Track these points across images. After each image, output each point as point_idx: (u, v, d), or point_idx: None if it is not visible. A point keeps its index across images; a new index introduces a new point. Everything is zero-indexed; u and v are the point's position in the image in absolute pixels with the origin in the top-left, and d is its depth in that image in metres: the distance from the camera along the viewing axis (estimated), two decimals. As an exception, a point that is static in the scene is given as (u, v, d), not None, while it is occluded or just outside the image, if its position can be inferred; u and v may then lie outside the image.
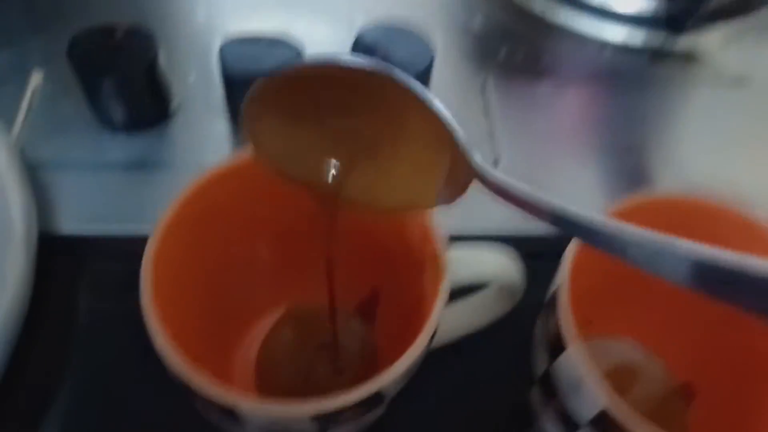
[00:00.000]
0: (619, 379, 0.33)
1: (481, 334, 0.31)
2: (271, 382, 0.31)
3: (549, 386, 0.26)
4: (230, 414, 0.22)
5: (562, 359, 0.25)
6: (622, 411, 0.22)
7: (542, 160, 0.42)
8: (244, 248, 0.30)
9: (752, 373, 0.31)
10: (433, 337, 0.24)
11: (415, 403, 0.33)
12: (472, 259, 0.27)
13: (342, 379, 0.32)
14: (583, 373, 0.23)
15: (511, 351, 0.33)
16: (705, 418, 0.31)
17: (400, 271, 0.29)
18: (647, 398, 0.33)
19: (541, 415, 0.28)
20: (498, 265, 0.27)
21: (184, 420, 0.28)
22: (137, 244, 0.25)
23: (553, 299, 0.26)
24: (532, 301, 0.29)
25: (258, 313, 0.33)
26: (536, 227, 0.37)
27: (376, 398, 0.23)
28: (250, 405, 0.22)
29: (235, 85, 0.38)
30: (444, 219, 0.27)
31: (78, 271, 0.36)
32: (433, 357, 0.30)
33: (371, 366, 0.32)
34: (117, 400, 0.32)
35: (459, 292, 0.31)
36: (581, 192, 0.40)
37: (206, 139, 0.40)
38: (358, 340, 0.33)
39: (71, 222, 0.36)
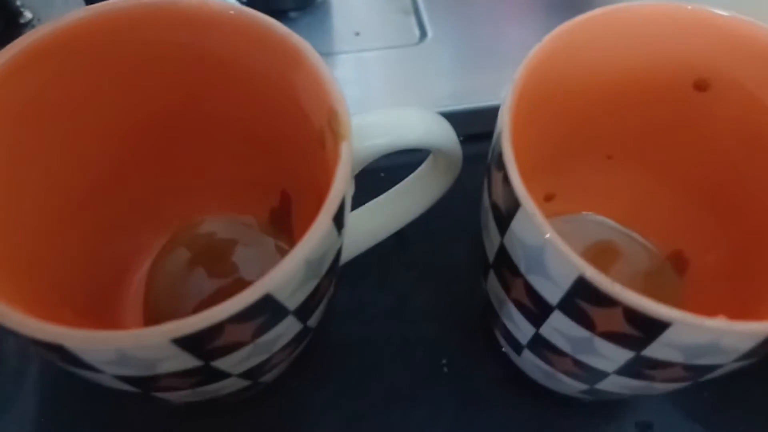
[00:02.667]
0: (597, 256, 0.27)
1: (422, 225, 0.25)
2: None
3: (506, 266, 0.20)
4: (66, 358, 0.16)
5: (515, 224, 0.18)
6: (601, 276, 0.16)
7: (471, 29, 0.35)
8: (95, 150, 0.23)
9: (748, 233, 0.25)
10: (341, 217, 0.18)
11: (351, 325, 0.27)
12: (392, 121, 0.21)
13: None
14: (543, 234, 0.17)
15: (459, 240, 0.27)
16: (701, 286, 0.26)
17: (308, 164, 0.23)
18: (633, 273, 0.27)
19: (503, 306, 0.22)
20: (428, 123, 0.21)
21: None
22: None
23: (495, 155, 0.20)
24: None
25: (137, 241, 0.26)
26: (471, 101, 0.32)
27: (267, 308, 0.16)
28: (82, 337, 0.15)
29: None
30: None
31: None
32: (371, 256, 0.24)
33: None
34: None
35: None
36: (513, 60, 0.34)
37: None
38: (273, 257, 0.27)
39: None
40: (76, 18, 0.20)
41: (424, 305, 0.28)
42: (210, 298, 0.25)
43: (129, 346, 0.15)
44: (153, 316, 0.25)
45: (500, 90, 0.32)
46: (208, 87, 0.22)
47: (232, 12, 0.20)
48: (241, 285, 0.15)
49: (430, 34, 0.34)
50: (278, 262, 0.24)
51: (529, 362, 0.23)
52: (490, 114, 0.30)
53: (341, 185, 0.17)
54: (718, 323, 0.16)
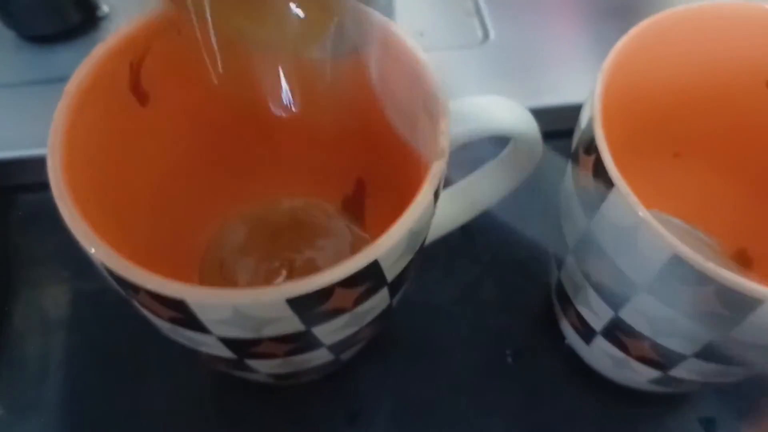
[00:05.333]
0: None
1: (487, 219, 0.26)
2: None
3: (591, 250, 0.21)
4: (182, 316, 0.17)
5: (606, 206, 0.19)
6: (695, 254, 0.17)
7: (534, 31, 0.36)
8: (176, 138, 0.24)
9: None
10: (437, 193, 0.18)
11: (422, 304, 0.28)
12: (480, 108, 0.22)
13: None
14: (637, 213, 0.18)
15: (532, 227, 0.27)
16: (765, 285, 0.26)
17: (389, 151, 0.23)
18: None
19: (579, 291, 0.22)
20: (512, 113, 0.22)
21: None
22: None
23: (582, 142, 0.20)
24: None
25: (201, 220, 0.27)
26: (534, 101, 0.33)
27: (372, 275, 0.17)
28: (204, 293, 0.16)
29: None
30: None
31: (5, 204, 0.30)
32: (442, 245, 0.25)
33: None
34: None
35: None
36: (577, 61, 0.35)
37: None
38: (347, 244, 0.27)
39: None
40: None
41: (490, 297, 0.29)
42: (274, 274, 0.26)
43: (246, 303, 0.16)
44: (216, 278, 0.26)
45: (561, 92, 0.33)
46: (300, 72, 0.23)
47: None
48: (310, 266, 0.16)
49: (492, 35, 0.35)
50: (349, 244, 0.25)
51: (600, 351, 0.24)
52: (551, 114, 0.30)
53: (442, 162, 0.18)
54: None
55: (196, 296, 0.16)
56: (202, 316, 0.16)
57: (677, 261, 0.17)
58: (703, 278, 0.17)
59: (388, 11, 0.36)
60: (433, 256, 0.27)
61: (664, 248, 0.17)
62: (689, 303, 0.18)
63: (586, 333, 0.24)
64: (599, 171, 0.19)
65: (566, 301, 0.24)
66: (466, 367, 0.27)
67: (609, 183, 0.18)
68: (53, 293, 0.28)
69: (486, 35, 0.35)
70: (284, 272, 0.27)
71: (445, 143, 0.19)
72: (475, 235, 0.30)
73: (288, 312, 0.16)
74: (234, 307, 0.16)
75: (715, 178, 0.28)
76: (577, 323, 0.24)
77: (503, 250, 0.30)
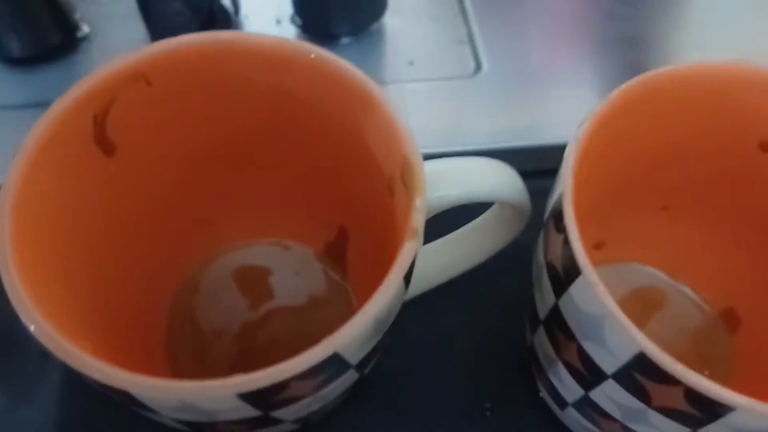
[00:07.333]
0: (645, 309, 0.27)
1: (471, 274, 0.25)
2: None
3: (559, 328, 0.20)
4: (129, 399, 0.16)
5: (574, 290, 0.18)
6: (663, 355, 0.16)
7: (528, 61, 0.35)
8: (145, 186, 0.24)
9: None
10: (409, 275, 0.18)
11: (395, 359, 0.27)
12: (464, 172, 0.21)
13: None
14: (605, 305, 0.17)
15: (509, 291, 0.27)
16: (753, 347, 0.26)
17: (372, 204, 0.23)
18: (682, 329, 0.27)
19: (550, 364, 0.22)
20: (499, 177, 0.21)
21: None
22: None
23: (554, 215, 0.20)
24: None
25: (172, 270, 0.26)
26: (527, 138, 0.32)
27: (334, 364, 0.17)
28: (147, 386, 0.15)
29: (154, 5, 0.31)
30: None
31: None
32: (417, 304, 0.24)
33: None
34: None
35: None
36: (573, 94, 0.34)
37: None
38: (326, 292, 0.27)
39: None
40: (158, 50, 0.20)
41: (468, 344, 0.28)
42: (250, 325, 0.26)
43: (193, 397, 0.15)
44: (185, 336, 0.26)
45: (556, 127, 0.32)
46: (279, 121, 0.23)
47: (308, 53, 0.20)
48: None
49: (485, 66, 0.34)
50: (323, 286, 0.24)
51: (573, 419, 0.23)
52: (545, 152, 0.29)
53: (414, 243, 0.17)
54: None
55: (141, 388, 0.15)
56: (150, 404, 0.16)
57: (644, 358, 0.17)
58: (670, 378, 0.16)
59: (378, 38, 0.35)
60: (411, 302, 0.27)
61: (631, 343, 0.17)
62: (657, 398, 0.17)
63: (560, 401, 0.23)
64: (567, 252, 0.18)
65: (539, 367, 0.23)
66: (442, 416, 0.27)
67: (578, 268, 0.18)
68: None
69: (479, 66, 0.34)
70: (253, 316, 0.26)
71: (418, 222, 0.18)
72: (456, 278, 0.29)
73: (240, 403, 0.16)
74: (181, 399, 0.16)
75: (704, 234, 0.27)
76: (550, 390, 0.23)
77: (486, 295, 0.29)
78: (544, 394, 0.25)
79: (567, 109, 0.33)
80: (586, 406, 0.21)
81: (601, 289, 0.17)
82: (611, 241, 0.28)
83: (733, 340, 0.26)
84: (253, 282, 0.27)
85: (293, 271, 0.27)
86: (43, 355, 0.24)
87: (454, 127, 0.32)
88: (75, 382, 0.24)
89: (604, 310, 0.17)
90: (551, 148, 0.32)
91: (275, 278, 0.27)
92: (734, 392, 0.16)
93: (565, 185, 0.19)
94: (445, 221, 0.24)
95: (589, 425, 0.22)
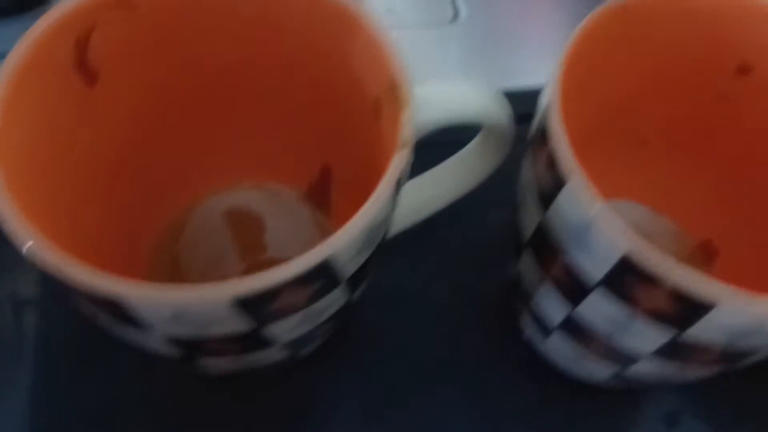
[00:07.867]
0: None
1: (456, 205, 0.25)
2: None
3: (545, 244, 0.20)
4: (120, 314, 0.16)
5: (561, 199, 0.18)
6: (650, 252, 0.17)
7: (506, 7, 0.35)
8: (127, 122, 0.23)
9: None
10: (398, 187, 0.18)
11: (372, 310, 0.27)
12: (449, 95, 0.21)
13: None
14: (593, 208, 0.17)
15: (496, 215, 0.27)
16: (728, 278, 0.26)
17: (355, 136, 0.23)
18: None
19: (536, 286, 0.22)
20: (483, 99, 0.21)
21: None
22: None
23: (540, 130, 0.20)
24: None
25: (155, 211, 0.26)
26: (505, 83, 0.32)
27: (324, 274, 0.16)
28: (141, 292, 0.15)
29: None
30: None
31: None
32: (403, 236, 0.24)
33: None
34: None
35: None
36: (550, 39, 0.34)
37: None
38: (310, 232, 0.27)
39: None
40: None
41: (449, 287, 0.28)
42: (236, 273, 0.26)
43: (190, 302, 0.15)
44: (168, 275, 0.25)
45: (533, 73, 0.32)
46: (262, 55, 0.22)
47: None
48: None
49: (463, 13, 0.34)
50: (313, 234, 0.24)
51: (557, 346, 0.23)
52: (522, 97, 0.30)
53: (405, 153, 0.17)
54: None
55: (136, 295, 0.15)
56: (144, 314, 0.16)
57: (632, 256, 0.17)
58: (658, 276, 0.17)
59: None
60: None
61: (620, 242, 0.17)
62: (644, 301, 0.18)
63: (544, 327, 0.23)
64: (556, 160, 0.18)
65: (521, 296, 0.24)
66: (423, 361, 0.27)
67: (565, 173, 0.18)
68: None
69: (456, 13, 0.34)
70: (241, 266, 0.26)
71: (408, 133, 0.18)
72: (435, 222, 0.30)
73: (235, 311, 0.16)
74: (176, 305, 0.15)
75: (684, 166, 0.27)
76: (535, 317, 0.24)
77: (466, 238, 0.29)
78: (528, 333, 0.25)
79: (545, 55, 0.33)
80: (572, 325, 0.21)
81: (589, 191, 0.17)
82: (592, 177, 0.28)
83: (710, 271, 0.27)
84: (240, 227, 0.27)
85: (278, 215, 0.27)
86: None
87: (433, 74, 0.32)
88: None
89: (592, 213, 0.17)
90: (529, 92, 0.32)
91: (262, 224, 0.27)
92: (721, 284, 0.16)
93: (552, 97, 0.19)
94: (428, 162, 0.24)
95: (575, 348, 0.22)
